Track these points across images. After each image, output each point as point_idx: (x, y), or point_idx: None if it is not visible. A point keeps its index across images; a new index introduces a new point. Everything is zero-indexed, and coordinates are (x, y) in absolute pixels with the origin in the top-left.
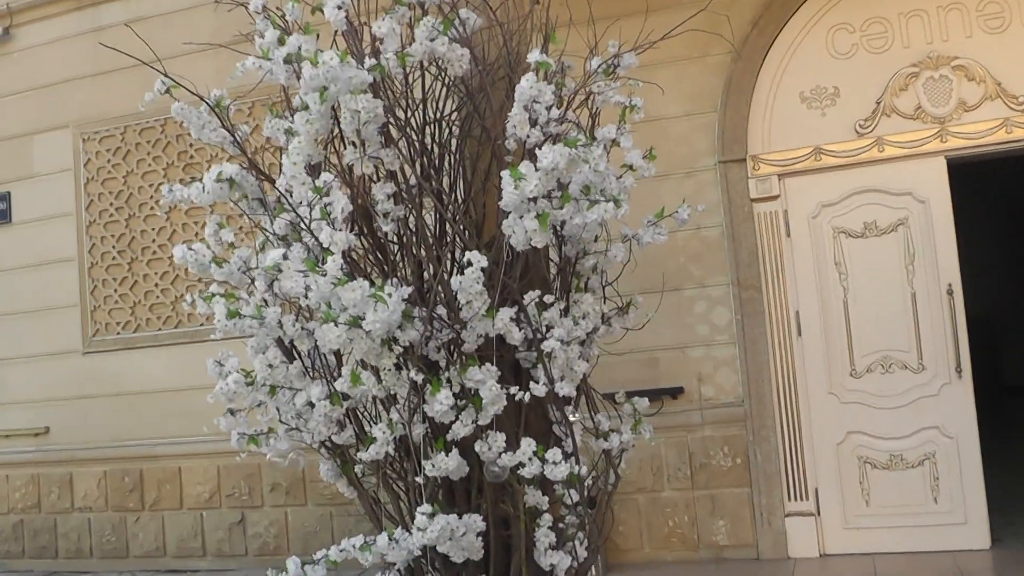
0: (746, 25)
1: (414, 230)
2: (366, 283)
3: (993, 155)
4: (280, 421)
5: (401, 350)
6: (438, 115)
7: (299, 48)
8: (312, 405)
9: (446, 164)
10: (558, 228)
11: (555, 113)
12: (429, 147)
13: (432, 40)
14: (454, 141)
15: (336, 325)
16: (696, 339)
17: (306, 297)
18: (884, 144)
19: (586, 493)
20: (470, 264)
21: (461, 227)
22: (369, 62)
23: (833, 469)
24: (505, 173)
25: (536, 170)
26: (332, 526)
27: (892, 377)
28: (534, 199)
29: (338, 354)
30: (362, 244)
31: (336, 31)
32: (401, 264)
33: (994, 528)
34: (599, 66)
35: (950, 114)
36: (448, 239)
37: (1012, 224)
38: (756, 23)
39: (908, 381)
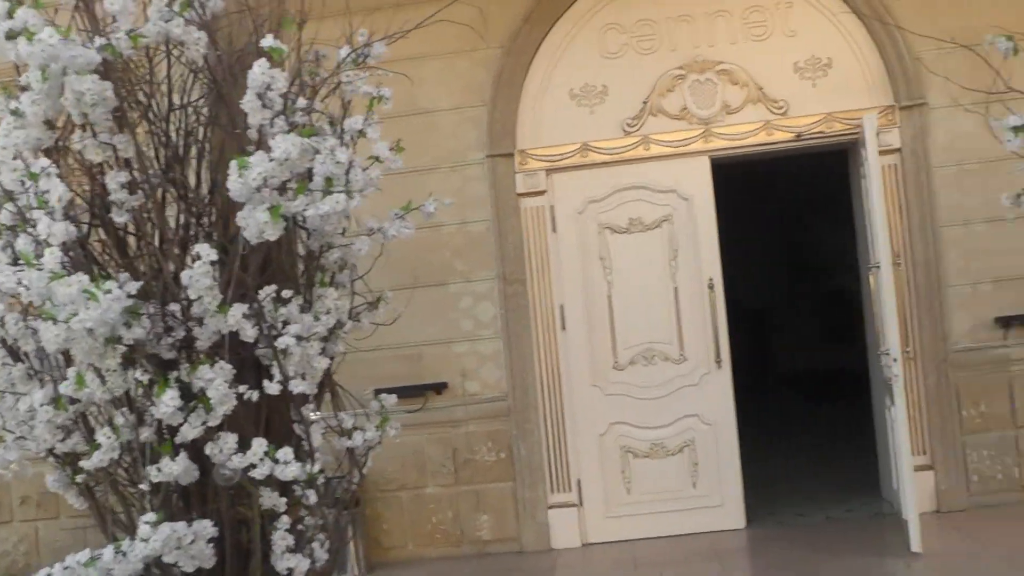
0: (517, 20)
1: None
2: (85, 277)
3: (754, 156)
4: (4, 428)
5: (126, 349)
6: (184, 102)
7: (25, 23)
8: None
9: (192, 153)
10: (300, 221)
11: (302, 103)
12: (172, 135)
13: (167, 21)
14: (201, 129)
15: (55, 323)
16: (461, 334)
17: (24, 293)
18: (650, 143)
19: (331, 493)
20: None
21: (204, 219)
22: (99, 41)
23: (596, 460)
24: (233, 162)
25: (271, 160)
26: (87, 540)
27: (654, 368)
28: (261, 190)
29: (68, 354)
30: (99, 236)
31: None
32: (141, 258)
33: (750, 509)
34: (348, 56)
35: (714, 116)
36: (192, 232)
37: (787, 222)
38: (528, 18)
39: (670, 372)
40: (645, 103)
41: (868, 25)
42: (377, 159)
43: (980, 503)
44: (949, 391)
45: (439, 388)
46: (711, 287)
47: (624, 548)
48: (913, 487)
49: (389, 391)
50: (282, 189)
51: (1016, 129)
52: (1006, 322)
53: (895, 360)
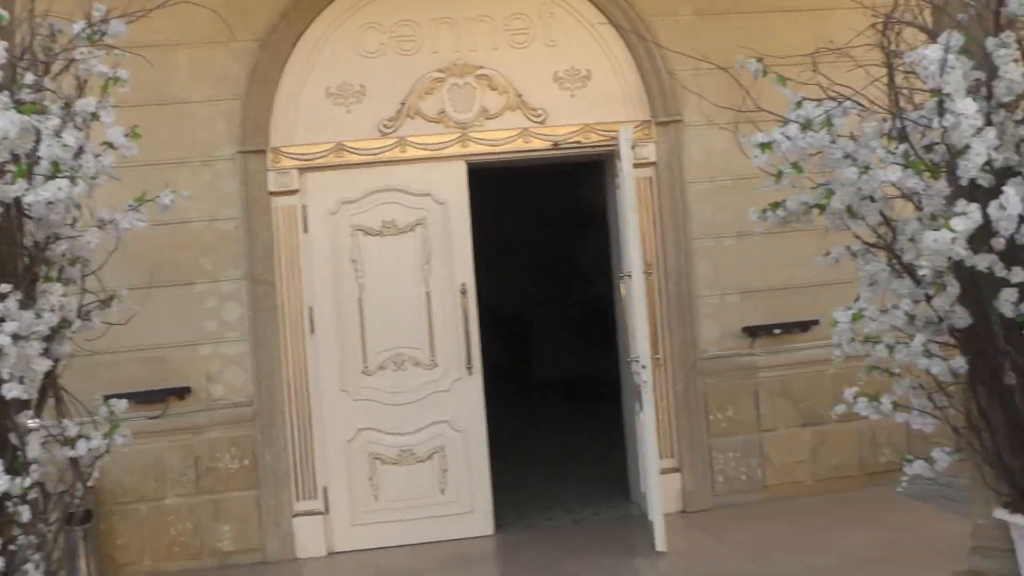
0: (275, 15)
1: None
2: None
3: (511, 162)
4: None
5: None
6: None
7: None
8: None
9: None
10: (24, 208)
11: (30, 79)
12: None
13: None
14: None
15: None
16: (206, 336)
17: None
18: (407, 145)
19: (51, 509)
20: None
21: None
22: None
23: (343, 467)
24: None
25: None
26: None
27: (405, 374)
28: None
29: None
30: None
31: None
32: None
33: (500, 515)
34: (82, 31)
35: (472, 120)
36: None
37: (549, 230)
38: (286, 14)
39: (421, 377)
40: (403, 105)
41: (627, 40)
42: (110, 145)
43: (725, 503)
44: (698, 397)
45: (182, 392)
46: (464, 293)
47: (370, 557)
48: (659, 489)
49: (127, 396)
50: (1, 171)
51: (763, 146)
52: (753, 332)
53: (644, 367)
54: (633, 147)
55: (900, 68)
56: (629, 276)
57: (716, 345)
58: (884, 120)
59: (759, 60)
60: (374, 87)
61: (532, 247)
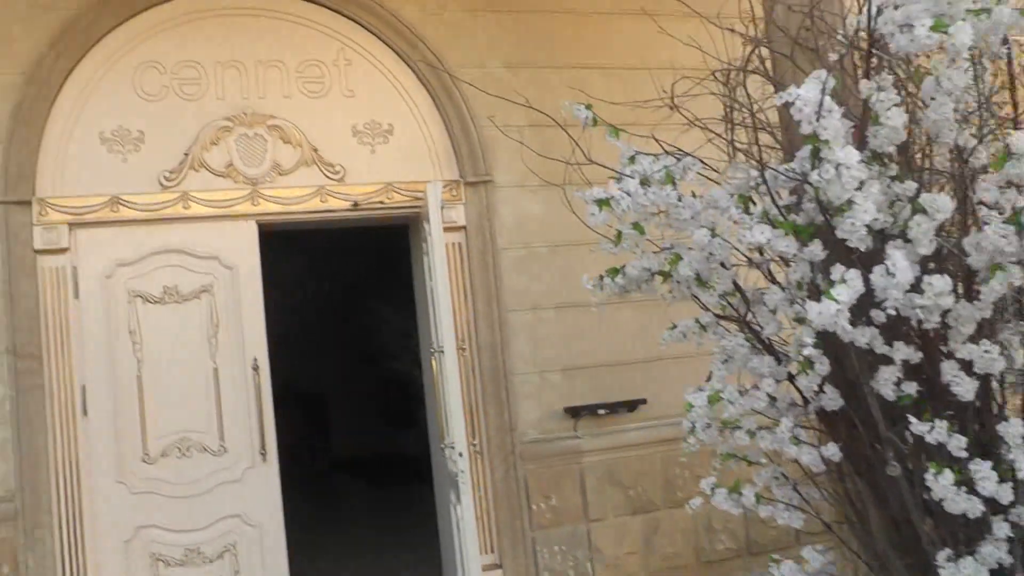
0: (43, 45)
1: None
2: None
3: (307, 223)
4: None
5: None
6: None
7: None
8: None
9: None
10: None
11: None
12: None
13: None
14: None
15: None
16: None
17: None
18: (191, 200)
19: None
20: None
21: None
22: None
23: (121, 571)
24: None
25: None
26: None
27: (190, 462)
28: None
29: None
30: None
31: None
32: None
33: None
34: None
35: (264, 176)
36: None
37: (347, 299)
38: (54, 45)
39: (208, 466)
40: (187, 155)
41: (432, 92)
42: None
43: None
44: (518, 485)
45: None
46: (256, 368)
47: None
48: None
49: None
50: None
51: (600, 203)
52: (575, 412)
53: (461, 455)
54: (442, 207)
55: (743, 123)
56: (441, 352)
57: (536, 427)
58: (751, 172)
59: (588, 107)
60: (154, 134)
61: (330, 316)
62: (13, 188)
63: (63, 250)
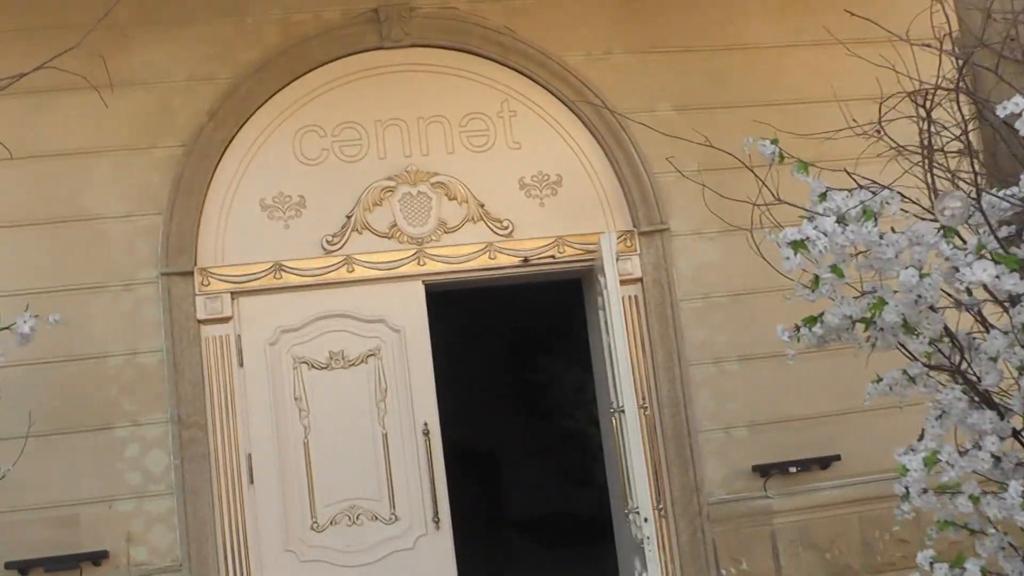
0: (202, 116)
1: None
2: None
3: (475, 282)
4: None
5: None
6: None
7: None
8: None
9: None
10: None
11: None
12: None
13: None
14: None
15: None
16: (127, 490)
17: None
18: (355, 264)
19: None
20: None
21: None
22: None
23: None
24: None
25: None
26: None
27: (360, 530)
28: None
29: None
30: None
31: None
32: None
33: None
34: None
35: (429, 235)
36: None
37: (516, 355)
38: (214, 115)
39: (379, 534)
40: (349, 218)
41: (600, 140)
42: None
43: None
44: (706, 548)
45: (98, 558)
46: (426, 433)
47: None
48: None
49: (32, 564)
50: None
51: (795, 244)
52: (764, 470)
53: (646, 520)
54: (617, 260)
55: (943, 148)
56: (621, 412)
57: (723, 487)
58: (966, 200)
59: (774, 141)
60: (316, 198)
61: (499, 373)
62: (175, 259)
63: (226, 319)
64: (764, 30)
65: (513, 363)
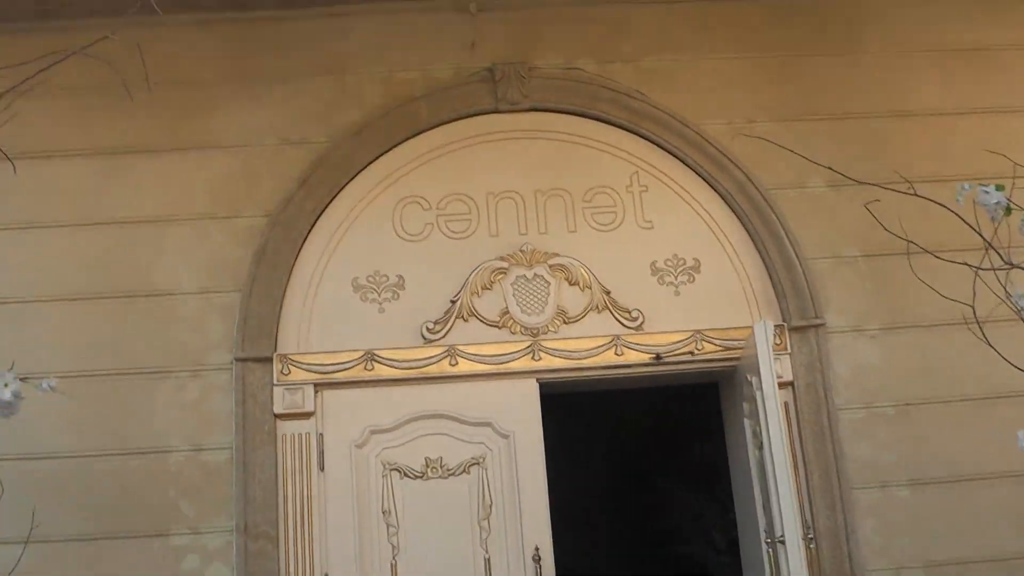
0: (291, 182)
1: None
2: None
3: (598, 381)
4: None
5: None
6: None
7: None
8: None
9: None
10: None
11: None
12: None
13: None
14: None
15: None
16: None
17: None
18: (459, 356)
19: None
20: None
21: None
22: None
23: None
24: None
25: None
26: None
27: None
28: None
29: None
30: None
31: None
32: None
33: None
34: None
35: (546, 325)
36: None
37: (627, 472)
38: (304, 182)
39: None
40: (454, 302)
41: (745, 221)
42: None
43: None
44: None
45: None
46: (537, 560)
47: None
48: None
49: None
50: None
51: None
52: None
53: None
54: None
55: None
56: (780, 543)
57: None
58: None
59: (999, 188)
60: (416, 279)
61: (609, 492)
62: (252, 343)
63: (307, 414)
64: (932, 95)
65: (623, 481)
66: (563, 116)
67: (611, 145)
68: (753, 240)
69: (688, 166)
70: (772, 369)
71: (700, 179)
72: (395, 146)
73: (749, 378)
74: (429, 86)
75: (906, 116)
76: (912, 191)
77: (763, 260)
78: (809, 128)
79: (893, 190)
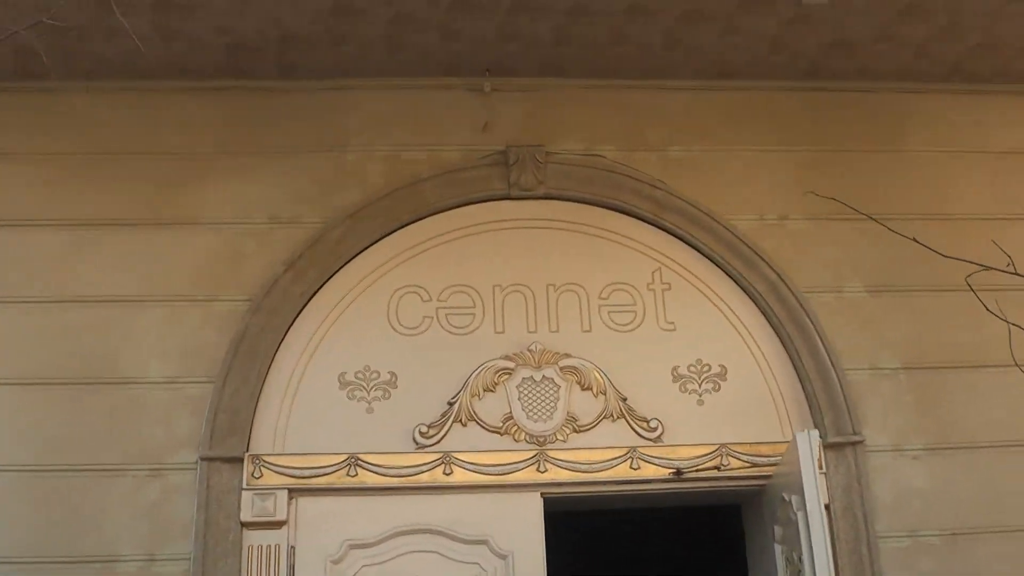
0: (278, 265)
1: None
2: None
3: (611, 498)
4: None
5: None
6: None
7: None
8: None
9: None
10: None
11: None
12: None
13: None
14: None
15: None
16: None
17: None
18: (454, 464)
19: None
20: None
21: None
22: None
23: None
24: None
25: None
26: None
27: None
28: None
29: None
30: None
31: None
32: None
33: None
34: None
35: (554, 433)
36: None
37: None
38: (292, 265)
39: None
40: (451, 404)
41: (776, 326)
42: None
43: None
44: None
45: None
46: None
47: None
48: None
49: None
50: None
51: None
52: None
53: None
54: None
55: None
56: None
57: None
58: None
59: None
60: (410, 377)
61: None
62: (222, 441)
63: (279, 523)
64: (975, 198)
65: None
66: (581, 206)
67: (632, 239)
68: (785, 346)
69: (715, 263)
70: (817, 486)
71: (728, 278)
72: (395, 230)
73: (786, 497)
74: (436, 168)
75: (950, 219)
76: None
77: (795, 369)
78: (846, 228)
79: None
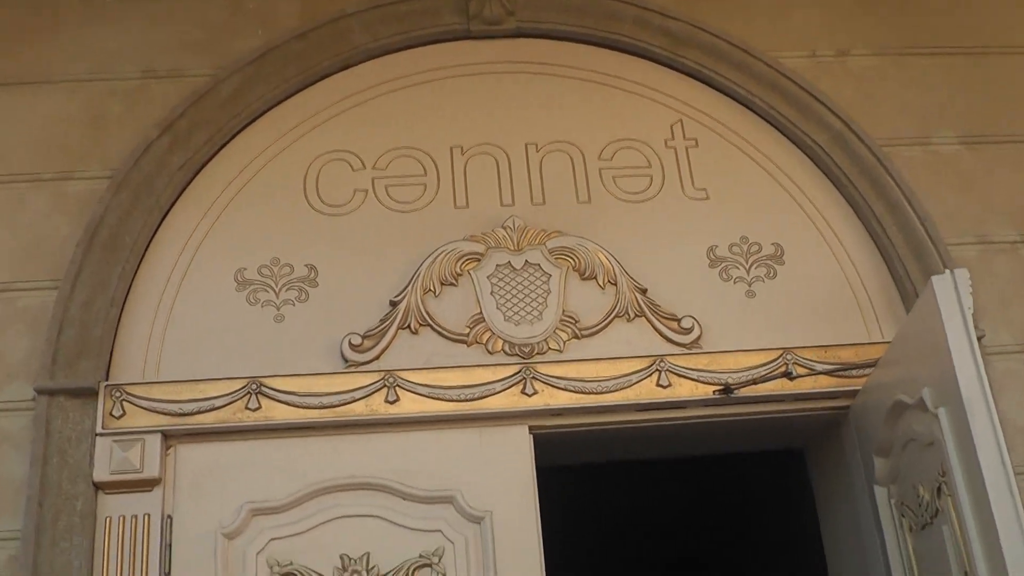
0: (151, 130)
1: None
2: None
3: (630, 430)
4: None
5: None
6: None
7: None
8: None
9: None
10: None
11: None
12: None
13: None
14: None
15: None
16: None
17: None
18: (400, 388)
19: None
20: None
21: None
22: None
23: None
24: None
25: None
26: None
27: None
28: None
29: None
30: None
31: None
32: None
33: None
34: None
35: (545, 340)
36: None
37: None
38: (170, 127)
39: None
40: (395, 305)
41: (848, 193)
42: None
43: None
44: None
45: None
46: None
47: None
48: None
49: None
50: None
51: None
52: None
53: None
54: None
55: None
56: None
57: None
58: None
59: None
60: (335, 271)
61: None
62: (69, 367)
63: (149, 483)
64: None
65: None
66: (565, 44)
67: (642, 84)
68: (860, 216)
69: (754, 111)
70: (978, 362)
71: (774, 130)
72: (314, 83)
73: (907, 400)
74: (368, 0)
75: None
76: None
77: (877, 245)
78: (928, 64)
79: None
